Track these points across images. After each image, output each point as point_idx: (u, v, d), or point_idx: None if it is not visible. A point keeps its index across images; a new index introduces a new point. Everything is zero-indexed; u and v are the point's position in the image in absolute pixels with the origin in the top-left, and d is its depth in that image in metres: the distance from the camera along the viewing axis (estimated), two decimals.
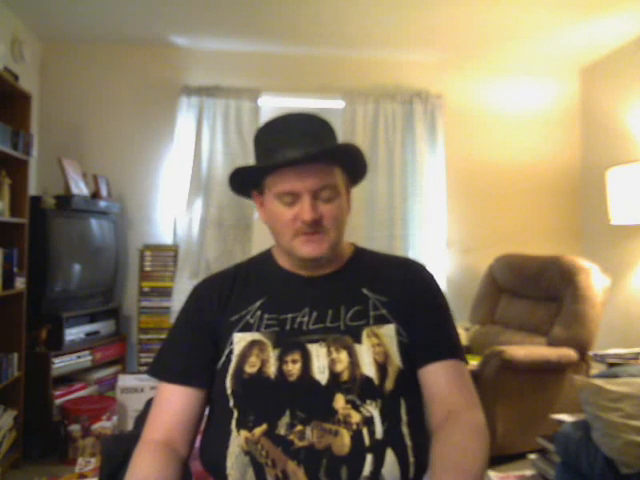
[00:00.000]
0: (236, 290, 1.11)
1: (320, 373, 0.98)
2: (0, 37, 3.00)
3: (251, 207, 3.43)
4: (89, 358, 3.11)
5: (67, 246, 3.10)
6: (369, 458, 0.93)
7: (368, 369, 0.98)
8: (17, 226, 2.77)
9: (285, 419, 0.95)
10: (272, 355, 1.00)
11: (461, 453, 0.91)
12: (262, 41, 3.60)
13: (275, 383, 0.98)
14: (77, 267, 3.18)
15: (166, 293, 3.44)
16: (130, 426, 2.70)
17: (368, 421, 0.95)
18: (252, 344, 1.02)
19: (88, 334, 3.16)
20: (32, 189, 3.15)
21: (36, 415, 2.84)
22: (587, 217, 3.92)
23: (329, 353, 1.00)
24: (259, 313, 1.06)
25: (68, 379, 3.07)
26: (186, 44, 3.64)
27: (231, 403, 1.00)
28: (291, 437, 0.93)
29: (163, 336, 3.24)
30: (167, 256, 3.50)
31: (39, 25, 3.37)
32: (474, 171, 3.91)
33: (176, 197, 3.60)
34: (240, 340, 1.04)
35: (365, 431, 0.94)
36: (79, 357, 3.06)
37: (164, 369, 1.08)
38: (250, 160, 3.33)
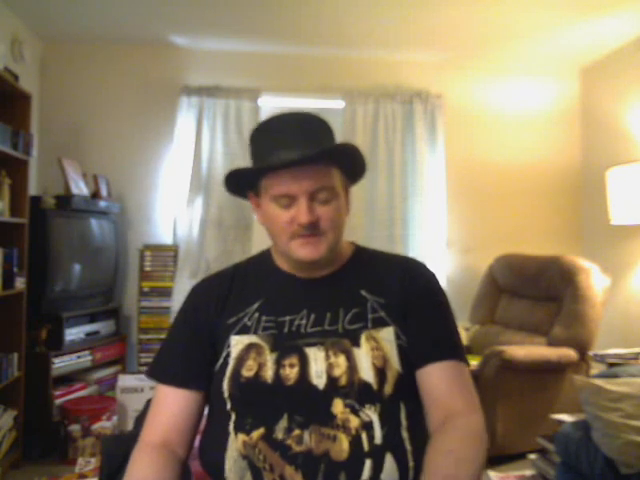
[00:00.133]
0: (234, 291, 1.10)
1: (318, 378, 0.96)
2: (0, 37, 3.00)
3: (251, 207, 3.42)
4: (89, 358, 3.11)
5: (67, 246, 3.10)
6: (368, 463, 0.91)
7: (366, 374, 0.97)
8: (17, 226, 2.77)
9: (283, 423, 0.94)
10: (269, 359, 0.99)
11: (454, 462, 0.88)
12: (262, 41, 3.60)
13: (272, 387, 0.96)
14: (77, 267, 3.18)
15: (166, 293, 3.44)
16: (130, 426, 2.70)
17: (367, 426, 0.93)
18: (249, 347, 1.01)
19: (88, 334, 3.16)
20: (32, 189, 3.15)
21: (36, 415, 2.84)
22: (587, 217, 3.92)
23: (327, 357, 0.98)
24: (257, 315, 1.05)
25: (68, 379, 3.07)
26: (186, 44, 3.64)
27: (228, 406, 0.99)
28: (289, 442, 0.92)
29: (163, 336, 3.23)
30: (167, 256, 3.50)
31: (39, 25, 3.37)
32: (474, 171, 3.91)
33: (176, 197, 3.60)
34: (237, 343, 1.02)
35: (364, 436, 0.93)
36: (79, 357, 3.06)
37: (162, 371, 1.08)
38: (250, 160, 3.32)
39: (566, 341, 2.84)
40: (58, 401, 2.91)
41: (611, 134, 3.62)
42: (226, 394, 0.99)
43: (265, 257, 1.16)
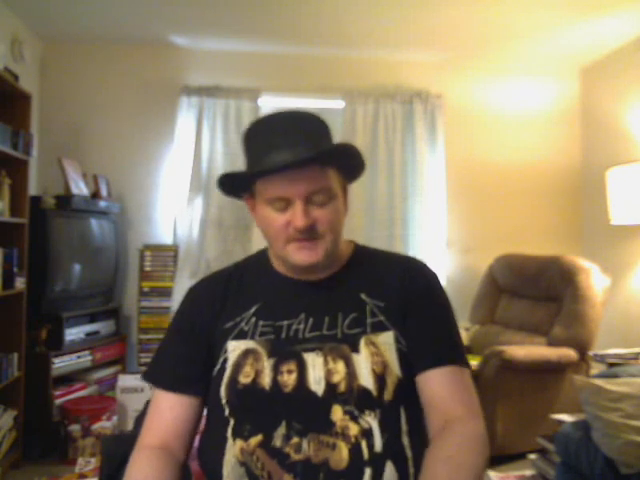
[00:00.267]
0: (231, 294, 1.07)
1: (316, 384, 0.94)
2: (0, 37, 3.00)
3: None
4: (89, 358, 3.11)
5: (67, 246, 3.10)
6: (368, 472, 0.89)
7: (366, 380, 0.94)
8: (17, 226, 2.77)
9: (281, 430, 0.92)
10: (267, 365, 0.97)
11: (454, 469, 0.86)
12: (262, 41, 3.60)
13: (270, 394, 0.95)
14: (77, 267, 3.18)
15: (166, 293, 3.45)
16: (130, 426, 2.71)
17: (367, 433, 0.91)
18: (246, 353, 0.99)
19: (88, 334, 3.16)
20: (32, 189, 3.15)
21: (36, 415, 2.84)
22: (587, 217, 3.92)
23: (325, 363, 0.96)
24: (254, 320, 1.02)
25: (68, 379, 3.06)
26: (186, 44, 3.64)
27: (227, 412, 0.97)
28: (287, 450, 0.90)
29: (163, 336, 3.24)
30: (167, 256, 3.50)
31: (39, 25, 3.37)
32: (474, 171, 3.91)
33: (176, 197, 3.60)
34: (234, 349, 1.00)
35: (364, 444, 0.91)
36: (79, 357, 3.06)
37: (158, 375, 1.06)
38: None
39: (566, 341, 2.84)
40: (58, 401, 2.91)
41: (611, 134, 3.62)
42: (224, 400, 0.98)
43: (262, 258, 1.12)
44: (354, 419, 0.92)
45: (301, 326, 1.00)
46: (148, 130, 3.66)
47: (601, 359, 2.62)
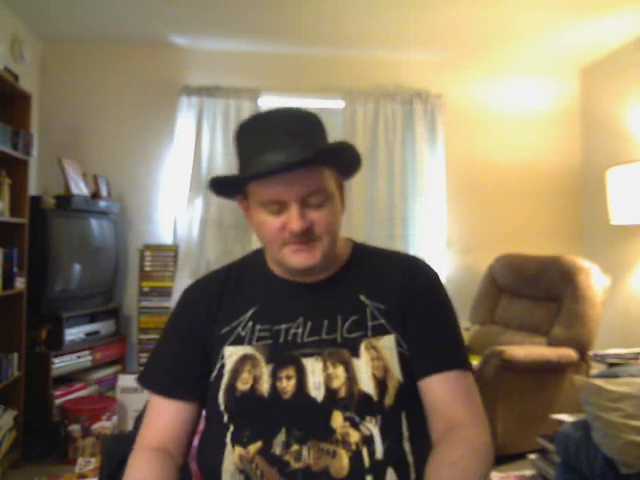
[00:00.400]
0: (227, 296, 1.04)
1: (316, 390, 0.92)
2: (0, 37, 3.00)
3: None
4: (89, 358, 3.11)
5: (67, 246, 3.10)
6: None
7: (366, 385, 0.92)
8: (17, 226, 2.77)
9: (281, 437, 0.90)
10: (265, 371, 0.94)
11: (458, 475, 0.84)
12: (262, 41, 3.60)
13: (269, 401, 0.92)
14: (77, 267, 3.18)
15: (166, 293, 3.44)
16: (130, 426, 2.70)
17: (368, 440, 0.89)
18: (244, 359, 0.96)
19: (88, 334, 3.16)
20: (32, 189, 3.15)
21: (36, 415, 2.84)
22: (587, 217, 3.92)
23: (325, 368, 0.93)
24: (251, 324, 1.00)
25: (68, 379, 3.07)
26: (186, 44, 3.64)
27: (225, 418, 0.95)
28: (287, 457, 0.89)
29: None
30: (167, 256, 3.50)
31: (39, 25, 3.37)
32: (474, 171, 3.91)
33: (176, 197, 3.60)
34: (232, 354, 0.98)
35: (365, 451, 0.89)
36: (79, 357, 3.06)
37: (153, 380, 1.04)
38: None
39: (566, 341, 2.84)
40: (58, 401, 2.91)
41: (611, 134, 3.62)
42: (222, 407, 0.96)
43: (258, 259, 1.09)
44: (355, 426, 0.90)
45: (299, 330, 0.98)
46: (148, 130, 3.66)
47: (601, 359, 2.62)
